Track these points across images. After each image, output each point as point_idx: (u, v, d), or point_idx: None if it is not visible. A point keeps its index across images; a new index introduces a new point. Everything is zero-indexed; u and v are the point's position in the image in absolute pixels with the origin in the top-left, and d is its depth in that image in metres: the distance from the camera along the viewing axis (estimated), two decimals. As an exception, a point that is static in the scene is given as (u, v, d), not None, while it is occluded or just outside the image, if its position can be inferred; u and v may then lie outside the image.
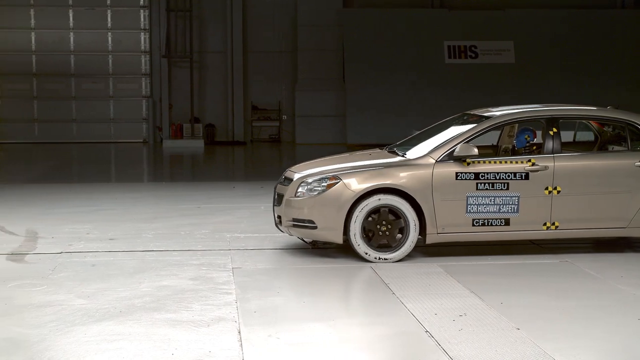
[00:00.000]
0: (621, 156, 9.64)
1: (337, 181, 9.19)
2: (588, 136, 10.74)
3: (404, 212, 9.12)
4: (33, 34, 27.94)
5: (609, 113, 10.00)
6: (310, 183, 9.30)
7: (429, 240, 9.25)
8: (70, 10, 27.99)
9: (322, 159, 10.48)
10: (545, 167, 9.32)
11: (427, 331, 6.72)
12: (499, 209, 9.24)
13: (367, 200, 9.10)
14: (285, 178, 9.71)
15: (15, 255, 9.56)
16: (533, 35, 27.49)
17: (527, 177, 9.28)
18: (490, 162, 9.30)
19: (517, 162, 9.34)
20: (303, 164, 10.23)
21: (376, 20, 27.37)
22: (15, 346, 6.36)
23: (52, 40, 27.96)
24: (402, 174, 9.18)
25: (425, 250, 9.70)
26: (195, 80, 27.98)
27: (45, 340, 6.47)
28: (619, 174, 9.50)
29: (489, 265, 9.15)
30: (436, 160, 9.24)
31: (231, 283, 8.27)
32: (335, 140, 26.40)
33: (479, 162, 9.24)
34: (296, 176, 9.53)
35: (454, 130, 9.75)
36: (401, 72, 26.78)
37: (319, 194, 9.21)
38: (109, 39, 28.30)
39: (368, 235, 9.14)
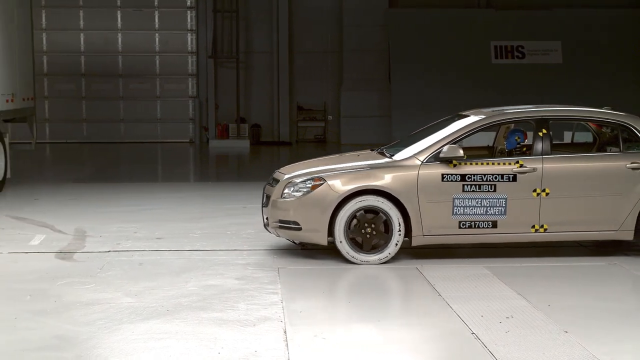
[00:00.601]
0: (612, 158, 9.38)
1: (321, 182, 9.11)
2: (587, 138, 10.54)
3: (388, 214, 9.02)
4: (82, 35, 28.27)
5: (600, 114, 9.72)
6: (297, 184, 9.24)
7: (415, 242, 9.12)
8: (119, 12, 28.29)
9: (312, 160, 10.45)
10: (534, 169, 9.12)
11: (473, 333, 6.68)
12: (486, 211, 9.07)
13: (352, 201, 9.00)
14: (274, 179, 9.68)
15: (64, 254, 9.69)
16: (581, 35, 27.11)
17: (514, 179, 9.09)
18: (477, 164, 9.13)
19: (504, 164, 9.16)
20: (292, 164, 10.20)
21: (422, 21, 27.26)
22: (65, 343, 6.44)
23: (101, 41, 28.25)
24: (387, 176, 9.07)
25: (471, 252, 9.65)
26: (241, 81, 28.13)
27: (93, 338, 6.55)
28: (609, 176, 9.24)
29: (535, 267, 9.06)
30: (422, 162, 9.11)
31: (277, 283, 8.29)
32: (380, 141, 26.04)
33: (465, 163, 9.09)
34: (283, 177, 9.50)
35: (443, 132, 9.60)
36: (447, 72, 26.61)
37: (303, 195, 9.15)
38: (156, 39, 28.55)
39: (353, 237, 9.06)
